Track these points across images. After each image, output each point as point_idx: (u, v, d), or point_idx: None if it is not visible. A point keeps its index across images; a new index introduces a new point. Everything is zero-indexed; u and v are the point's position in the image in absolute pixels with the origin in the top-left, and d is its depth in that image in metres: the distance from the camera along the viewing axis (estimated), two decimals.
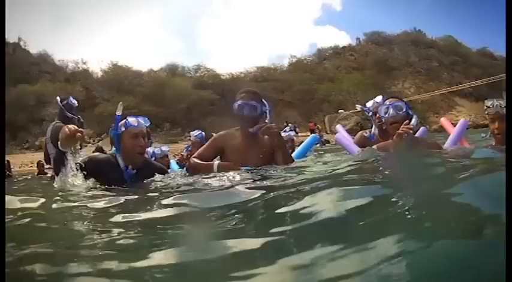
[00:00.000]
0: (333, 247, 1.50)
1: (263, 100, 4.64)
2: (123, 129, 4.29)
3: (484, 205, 1.76)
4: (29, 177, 13.64)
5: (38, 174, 14.86)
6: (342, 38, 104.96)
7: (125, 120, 4.34)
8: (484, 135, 5.11)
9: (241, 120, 4.63)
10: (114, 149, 4.52)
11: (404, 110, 4.51)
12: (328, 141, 26.32)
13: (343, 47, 69.06)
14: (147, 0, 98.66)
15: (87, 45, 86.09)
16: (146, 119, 4.51)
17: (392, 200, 2.06)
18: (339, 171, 3.75)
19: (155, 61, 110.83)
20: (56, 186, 3.89)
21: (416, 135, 5.63)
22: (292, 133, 9.97)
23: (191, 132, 7.58)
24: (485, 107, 4.56)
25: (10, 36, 54.64)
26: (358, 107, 7.48)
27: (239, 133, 4.70)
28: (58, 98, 7.24)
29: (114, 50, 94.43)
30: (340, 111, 34.94)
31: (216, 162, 4.50)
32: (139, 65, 66.48)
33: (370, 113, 6.01)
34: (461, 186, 2.22)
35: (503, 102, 4.32)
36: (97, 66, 55.57)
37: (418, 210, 1.87)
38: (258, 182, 3.52)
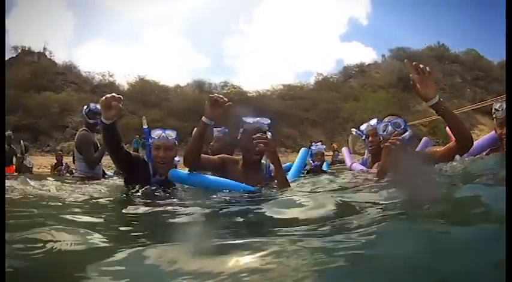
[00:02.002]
0: None
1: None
2: (150, 141, 4.73)
3: None
4: None
5: (55, 165, 14.97)
6: (368, 54, 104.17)
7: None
8: None
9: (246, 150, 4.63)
10: None
11: (402, 126, 4.40)
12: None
13: (369, 65, 68.28)
14: (174, 17, 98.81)
15: (113, 59, 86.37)
16: (173, 132, 4.87)
17: None
18: None
19: (182, 77, 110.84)
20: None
21: (419, 146, 5.64)
22: (323, 147, 10.00)
23: (214, 128, 7.53)
24: (493, 111, 4.49)
25: (35, 46, 56.23)
26: (353, 131, 7.45)
27: (242, 162, 4.70)
28: (85, 107, 7.74)
29: (141, 64, 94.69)
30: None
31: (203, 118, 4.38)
32: (166, 80, 66.56)
33: (364, 137, 5.96)
34: None
35: None
36: (123, 80, 56.17)
37: None
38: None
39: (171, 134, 4.81)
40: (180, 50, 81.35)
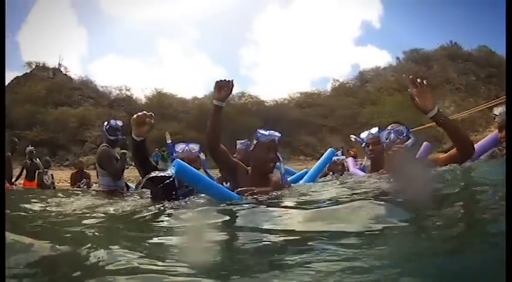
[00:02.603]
0: None
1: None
2: (175, 154, 5.03)
3: None
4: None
5: (75, 173, 14.49)
6: (383, 57, 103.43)
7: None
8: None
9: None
10: None
11: (404, 134, 4.60)
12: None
13: (384, 68, 67.83)
14: (188, 29, 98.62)
15: (129, 73, 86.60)
16: (196, 145, 5.18)
17: None
18: None
19: (199, 89, 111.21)
20: None
21: (419, 151, 5.75)
22: (343, 157, 10.01)
23: (237, 141, 7.92)
24: (493, 115, 4.62)
25: (49, 62, 57.34)
26: (353, 138, 7.57)
27: (250, 172, 4.77)
28: (105, 123, 8.00)
29: (158, 78, 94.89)
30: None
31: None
32: (183, 92, 66.92)
33: (364, 144, 6.00)
34: None
35: None
36: (141, 93, 56.57)
37: None
38: None
39: (194, 147, 5.10)
40: (196, 62, 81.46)
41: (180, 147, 5.11)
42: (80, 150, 43.16)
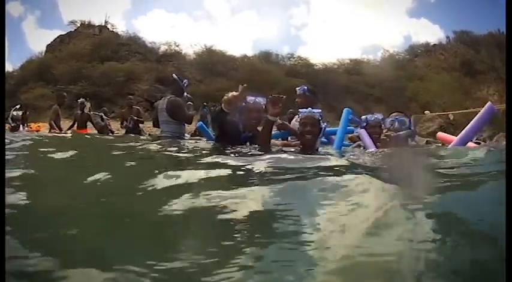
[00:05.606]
0: None
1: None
2: (243, 104, 5.66)
3: None
4: None
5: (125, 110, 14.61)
6: (435, 33, 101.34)
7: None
8: None
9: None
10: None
11: (407, 125, 5.21)
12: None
13: (434, 45, 66.48)
14: None
15: (177, 29, 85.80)
16: (263, 98, 5.75)
17: None
18: None
19: (249, 47, 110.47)
20: None
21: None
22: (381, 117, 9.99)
23: (297, 88, 8.06)
24: None
25: (95, 19, 57.61)
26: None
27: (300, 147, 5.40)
28: (174, 75, 8.86)
29: (207, 34, 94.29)
30: (426, 112, 33.81)
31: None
32: (233, 50, 66.41)
33: (365, 125, 6.51)
34: None
35: None
36: (189, 49, 55.60)
37: None
38: None
39: (261, 100, 5.74)
40: (245, 20, 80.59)
41: (250, 98, 5.71)
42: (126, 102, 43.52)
